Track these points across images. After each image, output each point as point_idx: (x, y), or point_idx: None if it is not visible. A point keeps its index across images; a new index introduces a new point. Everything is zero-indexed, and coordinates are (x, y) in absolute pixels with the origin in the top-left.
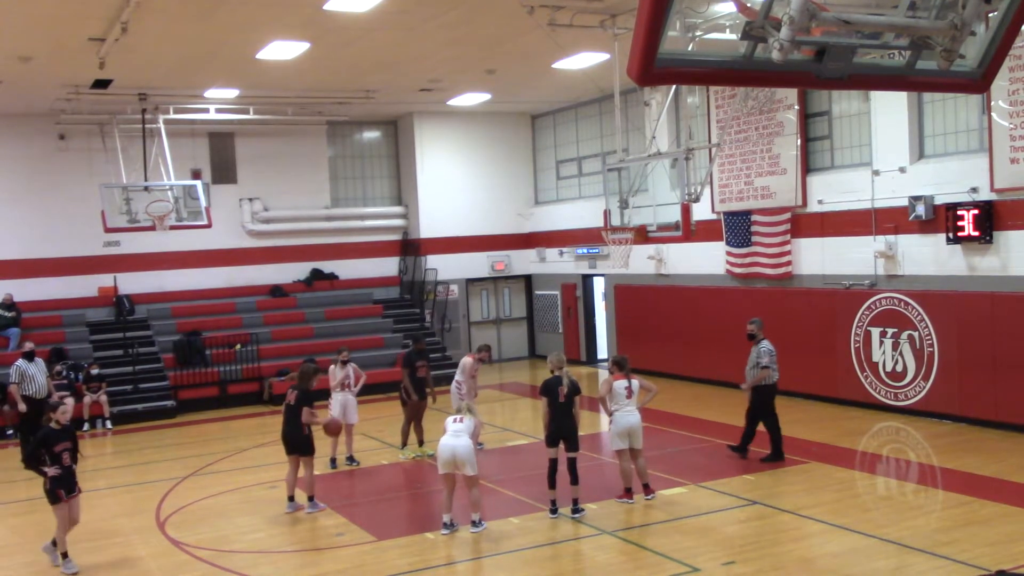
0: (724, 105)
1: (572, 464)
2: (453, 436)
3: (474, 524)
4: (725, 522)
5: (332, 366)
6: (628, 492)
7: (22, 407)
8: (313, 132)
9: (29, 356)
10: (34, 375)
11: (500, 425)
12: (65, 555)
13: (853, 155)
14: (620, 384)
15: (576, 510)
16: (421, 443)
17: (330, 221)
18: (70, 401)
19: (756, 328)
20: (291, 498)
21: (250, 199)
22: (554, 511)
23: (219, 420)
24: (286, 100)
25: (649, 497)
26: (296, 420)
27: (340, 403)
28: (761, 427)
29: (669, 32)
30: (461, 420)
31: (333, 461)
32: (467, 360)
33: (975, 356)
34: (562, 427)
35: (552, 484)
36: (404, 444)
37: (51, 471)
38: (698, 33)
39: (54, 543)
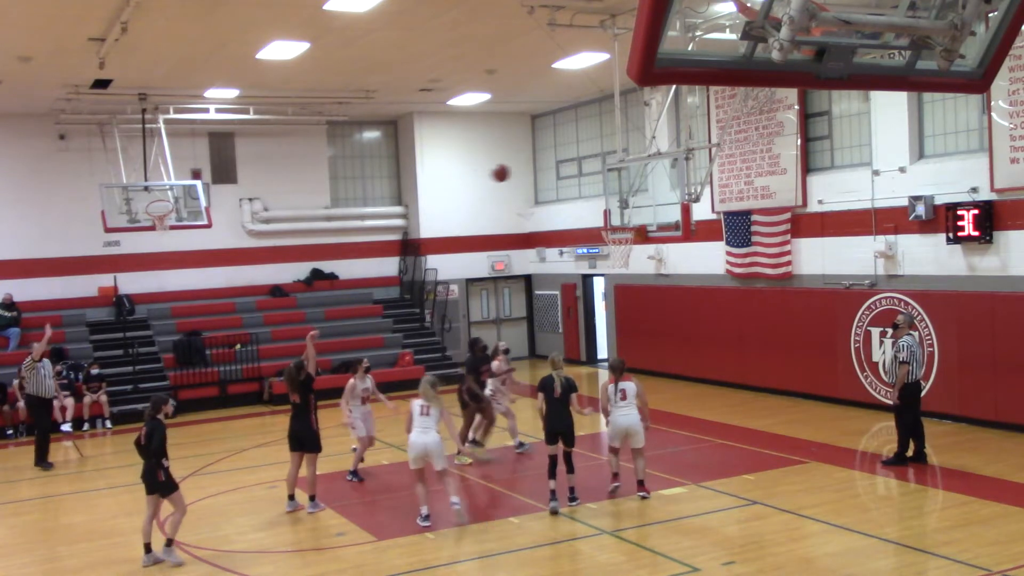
0: (724, 105)
1: (568, 456)
2: (422, 432)
3: (455, 504)
4: (725, 522)
5: (352, 379)
6: (615, 476)
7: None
8: (313, 132)
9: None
10: (45, 375)
11: (500, 425)
12: (171, 542)
13: (853, 155)
14: (611, 388)
15: (572, 499)
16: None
17: (330, 221)
18: (70, 401)
19: (902, 320)
20: (291, 497)
21: (250, 199)
22: (554, 499)
23: (219, 420)
24: (286, 100)
25: (642, 495)
26: (305, 417)
27: (362, 415)
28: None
29: (669, 32)
30: (428, 412)
31: (354, 473)
32: (496, 364)
33: (975, 356)
34: (559, 423)
35: (552, 475)
36: (466, 443)
37: (166, 462)
38: (698, 33)
39: (169, 544)
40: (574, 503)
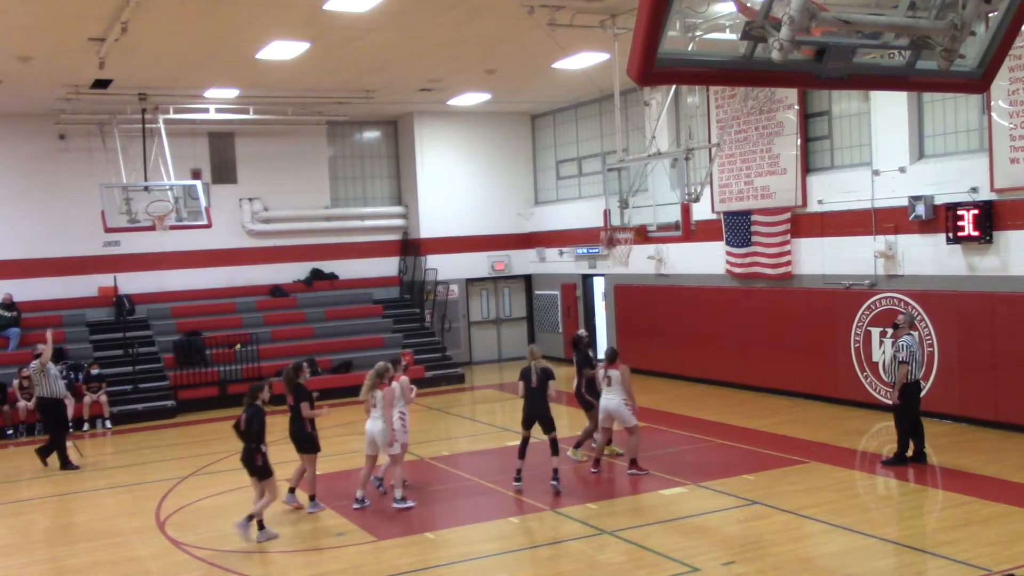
0: (724, 105)
1: (553, 442)
2: (372, 422)
3: (396, 500)
4: (725, 522)
5: (403, 377)
6: (596, 463)
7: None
8: (313, 132)
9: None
10: (56, 376)
11: (500, 425)
12: (262, 524)
13: (853, 155)
14: (600, 373)
15: (554, 479)
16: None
17: (330, 221)
18: (70, 401)
19: (902, 320)
20: (292, 490)
21: (250, 199)
22: (518, 479)
23: (219, 420)
24: (286, 100)
25: (632, 472)
26: (299, 419)
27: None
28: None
29: (669, 32)
30: (375, 404)
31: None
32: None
33: (975, 356)
34: (535, 409)
35: (521, 455)
36: (579, 445)
37: (264, 448)
38: (698, 33)
39: (250, 519)
40: (555, 483)
